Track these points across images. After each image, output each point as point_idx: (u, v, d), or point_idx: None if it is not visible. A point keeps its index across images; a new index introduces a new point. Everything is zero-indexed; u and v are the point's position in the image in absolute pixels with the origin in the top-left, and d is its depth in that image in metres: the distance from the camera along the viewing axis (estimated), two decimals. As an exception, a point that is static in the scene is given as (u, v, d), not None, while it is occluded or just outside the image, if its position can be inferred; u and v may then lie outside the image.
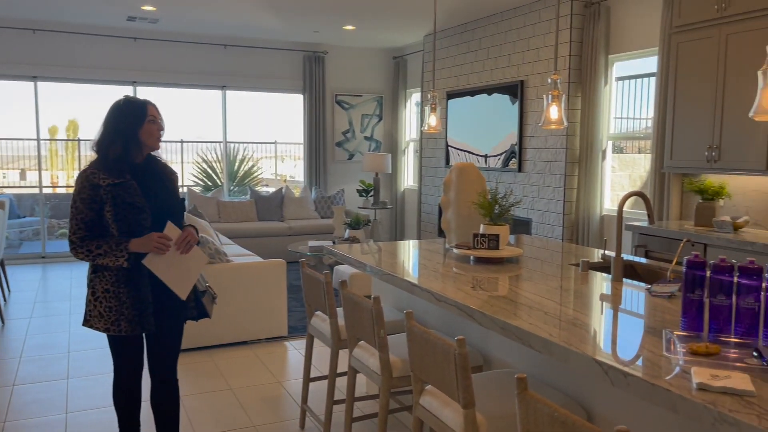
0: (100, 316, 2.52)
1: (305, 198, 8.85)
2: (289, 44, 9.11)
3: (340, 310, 3.20)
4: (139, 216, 2.49)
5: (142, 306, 2.53)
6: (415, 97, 9.46)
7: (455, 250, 3.21)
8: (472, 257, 3.21)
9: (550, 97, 2.66)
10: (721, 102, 4.39)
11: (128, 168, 2.53)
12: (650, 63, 5.50)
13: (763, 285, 1.80)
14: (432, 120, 3.53)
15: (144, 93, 8.58)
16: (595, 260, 3.25)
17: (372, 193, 8.63)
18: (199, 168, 10.33)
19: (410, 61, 9.29)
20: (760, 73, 1.77)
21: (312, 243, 6.85)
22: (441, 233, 8.29)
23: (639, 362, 1.67)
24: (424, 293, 2.57)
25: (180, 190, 2.87)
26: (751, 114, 1.82)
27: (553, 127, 2.68)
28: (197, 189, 9.66)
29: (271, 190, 9.29)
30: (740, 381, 1.49)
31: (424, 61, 8.49)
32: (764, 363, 1.62)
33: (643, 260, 3.22)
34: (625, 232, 5.65)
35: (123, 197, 2.47)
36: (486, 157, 7.25)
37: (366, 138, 9.74)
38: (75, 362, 4.37)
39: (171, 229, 2.51)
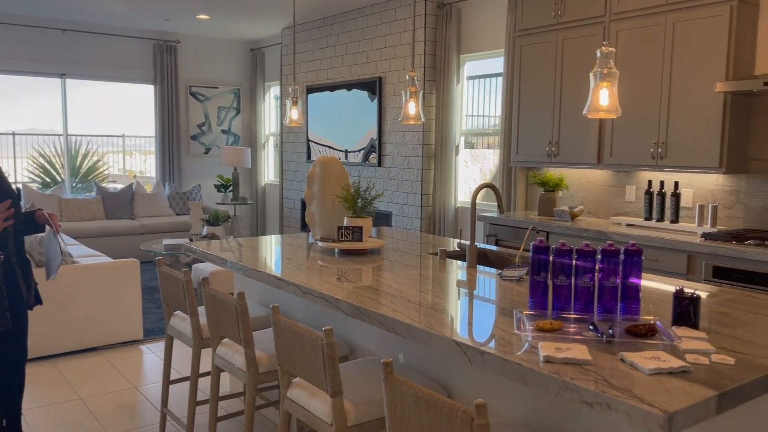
0: None
1: (158, 194, 8.42)
2: (137, 31, 8.59)
3: (201, 309, 3.10)
4: None
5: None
6: (275, 90, 9.34)
7: (320, 244, 3.24)
8: (336, 250, 3.25)
9: (408, 93, 2.76)
10: (559, 101, 4.80)
11: None
12: (498, 63, 5.87)
13: (597, 266, 2.01)
14: (294, 113, 3.51)
15: (-33, 79, 7.67)
16: (452, 249, 3.43)
17: (231, 188, 8.40)
18: (35, 163, 9.44)
19: (268, 53, 9.16)
20: (591, 75, 1.97)
21: (167, 241, 6.54)
22: (304, 228, 8.28)
23: (493, 341, 1.80)
24: (290, 287, 2.56)
25: (13, 185, 2.77)
26: (584, 112, 2.02)
27: (412, 122, 2.79)
28: (34, 186, 8.83)
29: (120, 186, 8.72)
30: (579, 352, 1.66)
31: (282, 54, 8.41)
32: (599, 334, 1.81)
33: (495, 248, 3.45)
34: (478, 222, 6.01)
35: None
36: (347, 152, 7.34)
37: (223, 131, 9.46)
38: None
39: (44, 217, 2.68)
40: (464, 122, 6.28)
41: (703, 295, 2.39)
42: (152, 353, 4.44)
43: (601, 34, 4.46)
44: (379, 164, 6.86)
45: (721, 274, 3.62)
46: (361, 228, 3.16)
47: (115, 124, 9.28)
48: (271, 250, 3.33)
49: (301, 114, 3.52)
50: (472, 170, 6.46)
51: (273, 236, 3.77)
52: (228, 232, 7.84)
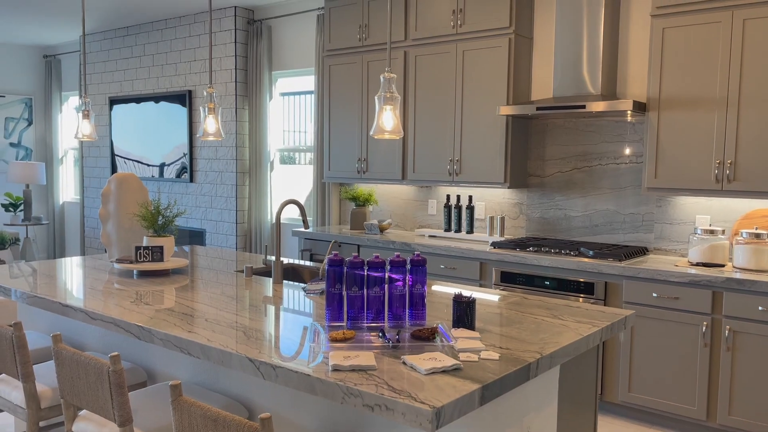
0: None
1: (-70, 215, 7.34)
2: None
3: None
4: None
5: None
6: (74, 100, 8.62)
7: (117, 265, 3.05)
8: (135, 271, 3.09)
9: (206, 109, 2.73)
10: (366, 120, 5.02)
11: None
12: (311, 81, 5.99)
13: (386, 276, 2.14)
14: (85, 128, 3.29)
15: None
16: (260, 266, 3.43)
17: (22, 207, 7.58)
18: None
19: (65, 60, 8.44)
20: (376, 98, 2.11)
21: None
22: (109, 249, 7.71)
23: (288, 355, 1.83)
24: (78, 313, 2.39)
25: None
26: (371, 133, 2.15)
27: (211, 138, 2.75)
28: None
29: None
30: (366, 358, 1.75)
31: (80, 63, 7.80)
32: (386, 340, 1.93)
33: (306, 263, 3.51)
34: (292, 238, 6.05)
35: None
36: (161, 166, 7.00)
37: (12, 144, 8.51)
38: None
39: None
40: (279, 138, 6.31)
41: (485, 299, 2.64)
42: None
43: (401, 58, 4.75)
44: (191, 180, 6.63)
45: (507, 279, 4.03)
46: (161, 247, 3.04)
47: None
48: (63, 274, 3.07)
49: (94, 128, 3.30)
50: (290, 186, 6.50)
51: (68, 259, 3.48)
52: (18, 256, 7.06)
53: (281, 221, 6.23)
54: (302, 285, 2.85)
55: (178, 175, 6.75)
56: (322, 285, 2.72)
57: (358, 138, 5.08)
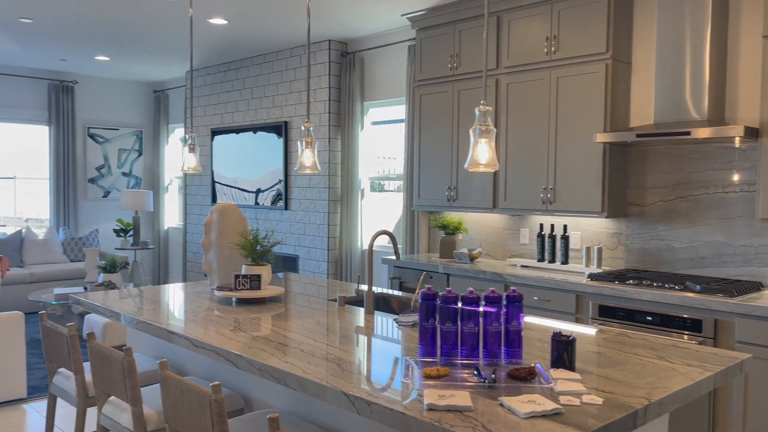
0: None
1: (51, 240, 7.97)
2: (30, 71, 8.23)
3: (87, 365, 2.95)
4: None
5: None
6: (179, 132, 9.16)
7: (217, 293, 3.18)
8: (234, 299, 3.20)
9: (304, 143, 2.81)
10: (457, 148, 5.01)
11: None
12: (402, 110, 6.06)
13: (480, 310, 2.10)
14: (190, 160, 3.47)
15: None
16: (352, 295, 3.46)
17: (131, 232, 8.09)
18: None
19: (172, 95, 9.01)
20: (471, 131, 2.09)
21: (58, 290, 6.18)
22: (208, 273, 8.06)
23: (382, 390, 1.83)
24: (182, 340, 2.50)
25: None
26: (465, 166, 2.14)
27: (308, 171, 2.83)
28: None
29: (9, 231, 8.20)
30: (461, 398, 1.71)
31: (186, 97, 8.30)
32: (482, 380, 1.88)
33: (396, 292, 3.51)
34: (382, 266, 6.08)
35: None
36: (257, 192, 7.28)
37: (124, 174, 9.14)
38: None
39: None
40: (370, 167, 6.40)
41: (584, 335, 2.53)
42: (37, 413, 4.14)
43: (494, 86, 4.72)
44: (286, 207, 6.84)
45: (606, 313, 3.85)
46: (259, 276, 3.13)
47: (6, 165, 8.76)
48: (167, 299, 3.23)
49: (198, 161, 3.48)
50: (380, 213, 6.57)
51: (172, 285, 3.66)
52: (127, 279, 7.52)
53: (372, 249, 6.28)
54: (394, 316, 2.85)
55: (274, 203, 6.99)
56: (414, 317, 2.70)
57: (448, 166, 5.06)
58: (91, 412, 3.95)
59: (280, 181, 6.88)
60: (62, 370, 2.98)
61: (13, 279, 7.23)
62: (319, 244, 6.49)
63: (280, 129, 6.83)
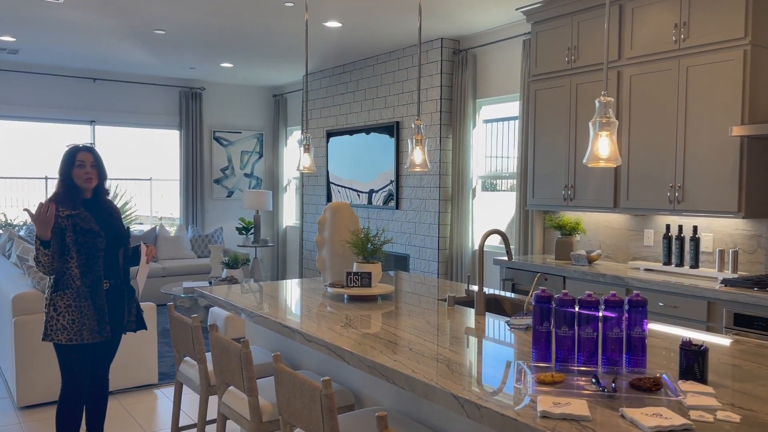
0: (63, 328, 2.97)
1: (181, 237, 8.54)
2: (164, 79, 8.87)
3: (209, 355, 3.10)
4: (95, 239, 3.02)
5: (100, 316, 3.04)
6: (297, 134, 9.50)
7: (329, 289, 3.23)
8: (345, 295, 3.24)
9: (414, 141, 2.79)
10: (574, 145, 4.79)
11: (80, 201, 3.06)
12: (515, 107, 5.91)
13: (600, 315, 1.97)
14: (306, 160, 3.57)
15: (4, 127, 7.97)
16: (462, 295, 3.40)
17: (252, 230, 8.49)
18: (64, 206, 9.67)
19: (290, 99, 9.35)
20: (590, 124, 1.97)
21: (187, 284, 6.60)
22: (322, 270, 8.30)
23: (492, 394, 1.76)
24: (295, 334, 2.56)
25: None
26: (584, 161, 2.02)
27: (418, 169, 2.81)
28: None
29: (146, 228, 8.88)
30: (578, 407, 1.61)
31: (303, 100, 8.58)
32: (601, 389, 1.77)
33: (508, 294, 3.41)
34: (494, 267, 5.95)
35: (81, 224, 3.00)
36: (370, 193, 7.39)
37: (246, 175, 9.61)
38: None
39: (141, 248, 3.20)
40: (481, 165, 6.29)
41: (717, 345, 2.32)
42: (166, 398, 4.43)
43: (615, 79, 4.47)
44: (397, 207, 6.88)
45: (742, 322, 3.52)
46: (370, 274, 3.16)
47: (143, 168, 9.51)
48: (284, 295, 3.34)
49: (314, 161, 3.57)
50: (491, 213, 6.44)
51: (288, 281, 3.79)
52: (248, 275, 7.89)
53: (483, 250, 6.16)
54: (505, 318, 2.76)
55: (386, 202, 7.06)
56: (527, 320, 2.60)
57: (565, 164, 4.86)
58: (213, 400, 4.17)
59: (391, 181, 6.93)
60: (187, 358, 3.16)
61: (149, 273, 7.81)
62: (430, 244, 6.47)
63: (392, 129, 6.88)
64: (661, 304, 3.92)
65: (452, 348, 2.27)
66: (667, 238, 4.34)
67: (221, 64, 7.86)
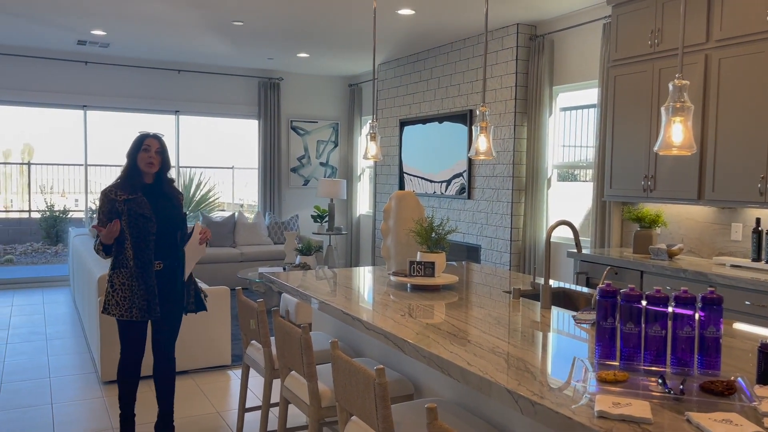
0: (116, 304, 3.13)
1: (258, 223, 8.78)
2: (244, 70, 9.11)
3: (274, 339, 3.17)
4: (147, 224, 3.13)
5: (150, 297, 3.15)
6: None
7: (393, 278, 3.23)
8: (408, 284, 3.23)
9: (479, 128, 2.72)
10: (656, 133, 4.54)
11: (140, 187, 3.19)
12: (593, 94, 5.67)
13: (670, 312, 1.85)
14: (372, 149, 3.56)
15: (95, 117, 8.45)
16: (528, 288, 3.30)
17: (326, 218, 8.61)
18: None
19: (365, 88, 9.39)
20: (663, 109, 1.85)
21: (263, 269, 6.78)
22: (394, 259, 8.31)
23: (550, 391, 1.70)
24: (356, 322, 2.57)
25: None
26: (655, 149, 1.90)
27: (482, 157, 2.74)
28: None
29: (226, 215, 9.20)
30: (640, 409, 1.52)
31: (377, 89, 8.59)
32: (667, 390, 1.66)
33: (580, 288, 3.28)
34: (567, 260, 5.77)
35: (135, 209, 3.12)
36: (441, 183, 7.33)
37: (321, 164, 9.76)
38: (6, 395, 4.20)
39: (195, 228, 3.27)
40: (559, 154, 6.09)
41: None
42: (238, 379, 4.58)
43: (702, 63, 4.20)
44: (469, 197, 6.78)
45: (840, 325, 3.24)
46: (433, 263, 3.12)
47: (224, 156, 9.85)
48: (349, 282, 3.36)
49: (380, 149, 3.56)
50: (566, 204, 6.24)
51: (356, 269, 3.81)
52: (321, 262, 8.02)
53: (556, 241, 5.98)
54: (572, 313, 2.66)
55: (460, 192, 6.98)
56: (594, 315, 2.49)
57: (645, 153, 4.62)
58: (277, 384, 4.25)
59: (464, 170, 6.84)
60: (254, 342, 3.24)
61: (227, 257, 8.09)
62: (502, 235, 6.34)
63: (465, 117, 6.77)
64: (748, 303, 3.67)
65: (513, 342, 2.20)
66: (756, 232, 4.05)
67: (298, 55, 7.99)
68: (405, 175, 8.01)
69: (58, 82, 8.10)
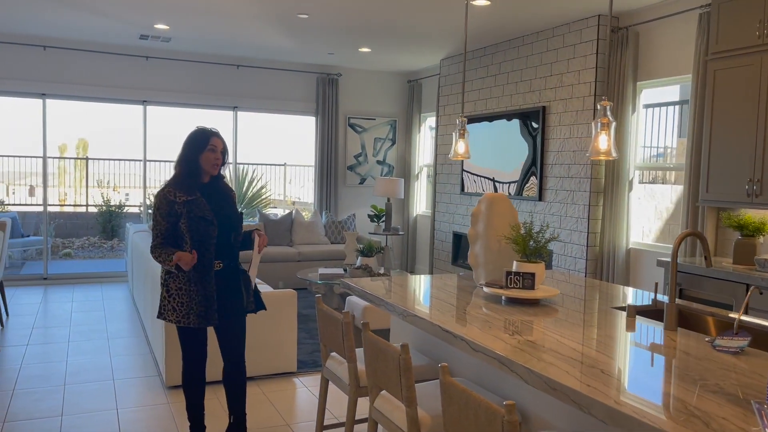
0: (173, 310, 2.98)
1: (315, 222, 8.61)
2: (302, 66, 8.95)
3: (359, 351, 2.93)
4: (208, 227, 2.97)
5: (208, 303, 2.98)
6: (430, 121, 9.26)
7: (485, 289, 2.94)
8: (503, 297, 2.94)
9: (599, 125, 2.42)
10: (763, 133, 4.14)
11: (198, 187, 3.01)
12: (675, 90, 5.27)
13: None
14: (460, 147, 3.29)
15: (154, 112, 8.42)
16: (638, 303, 2.98)
17: (383, 218, 8.38)
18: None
19: (425, 84, 9.11)
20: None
21: (322, 270, 6.59)
22: (455, 261, 8.02)
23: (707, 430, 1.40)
24: (459, 341, 2.30)
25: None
26: None
27: (602, 157, 2.43)
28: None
29: (280, 212, 9.06)
30: None
31: (440, 86, 8.30)
32: None
33: (696, 305, 2.94)
34: (657, 268, 5.37)
35: (195, 212, 2.96)
36: (510, 183, 7.00)
37: (378, 162, 9.53)
38: (71, 397, 4.09)
39: (255, 239, 3.11)
40: (639, 155, 5.70)
41: None
42: (305, 388, 4.37)
43: (821, 55, 3.78)
44: (540, 198, 6.44)
45: None
46: (533, 275, 2.83)
47: (277, 152, 9.72)
48: (431, 291, 3.10)
49: (468, 147, 3.28)
50: (646, 207, 5.84)
51: (433, 276, 3.55)
52: (380, 263, 7.79)
53: (635, 247, 5.59)
54: (705, 337, 2.33)
55: (527, 193, 6.63)
56: (739, 342, 2.16)
57: (750, 154, 4.21)
58: (361, 402, 4.00)
59: (534, 172, 6.49)
60: (335, 354, 3.01)
61: (284, 257, 7.94)
62: (577, 240, 5.98)
63: (537, 115, 6.43)
64: None
65: (643, 369, 1.90)
66: None
67: (359, 49, 7.76)
68: (467, 174, 7.70)
69: (120, 77, 8.08)
